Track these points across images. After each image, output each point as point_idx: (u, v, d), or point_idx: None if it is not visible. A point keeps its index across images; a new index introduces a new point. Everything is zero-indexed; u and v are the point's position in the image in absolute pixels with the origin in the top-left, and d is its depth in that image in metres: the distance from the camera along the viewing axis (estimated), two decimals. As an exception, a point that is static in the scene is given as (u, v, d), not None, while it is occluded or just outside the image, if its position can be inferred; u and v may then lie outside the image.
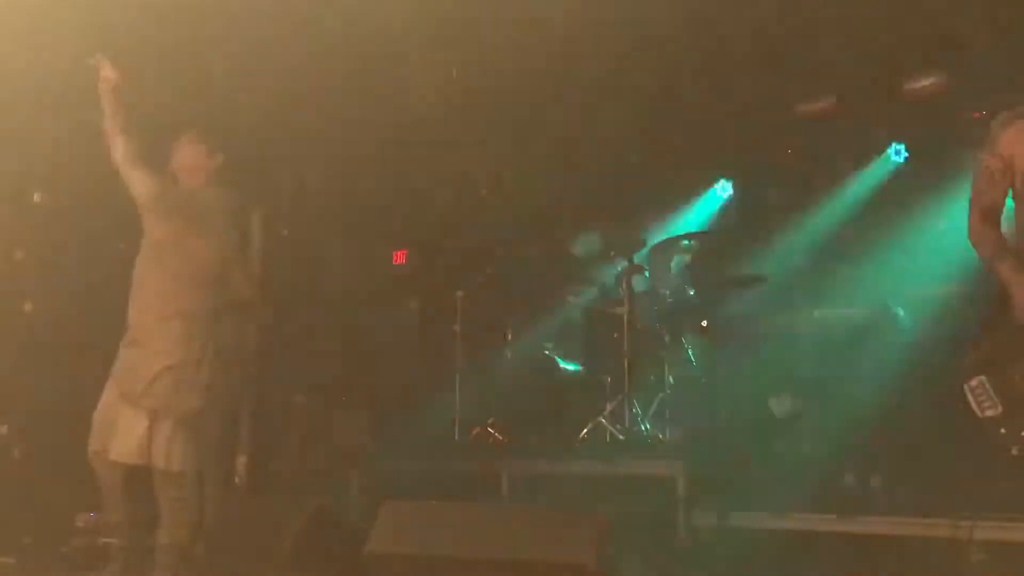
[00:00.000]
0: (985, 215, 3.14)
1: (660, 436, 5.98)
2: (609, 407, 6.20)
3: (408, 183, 7.63)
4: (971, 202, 3.20)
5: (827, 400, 5.56)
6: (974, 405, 3.05)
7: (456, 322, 6.92)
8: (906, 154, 6.17)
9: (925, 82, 6.61)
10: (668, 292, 6.39)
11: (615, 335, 6.24)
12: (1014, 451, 3.06)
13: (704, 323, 5.99)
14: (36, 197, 6.38)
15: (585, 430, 6.17)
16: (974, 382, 3.06)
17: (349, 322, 7.86)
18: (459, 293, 6.93)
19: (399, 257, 8.14)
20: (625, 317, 6.16)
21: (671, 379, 6.21)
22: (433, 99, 6.55)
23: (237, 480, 6.12)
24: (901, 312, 5.66)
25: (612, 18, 5.85)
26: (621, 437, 5.98)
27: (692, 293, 6.41)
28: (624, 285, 6.23)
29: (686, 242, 6.39)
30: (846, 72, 6.72)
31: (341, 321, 7.90)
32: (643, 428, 5.96)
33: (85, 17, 5.39)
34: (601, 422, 6.18)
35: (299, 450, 7.55)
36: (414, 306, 8.02)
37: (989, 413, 3.02)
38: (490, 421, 6.20)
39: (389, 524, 2.97)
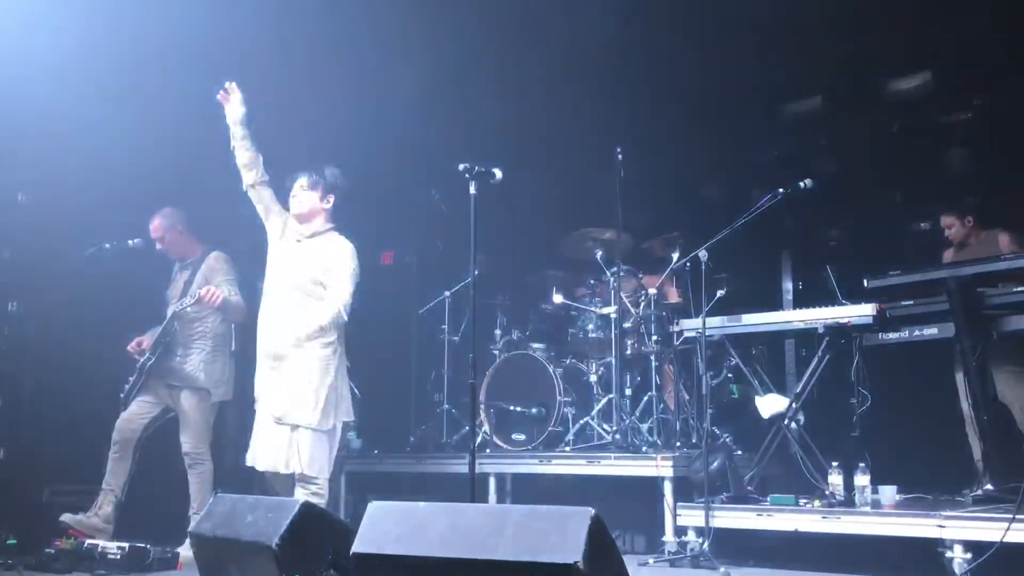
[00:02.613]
0: None
1: (648, 436, 6.00)
2: (597, 406, 6.22)
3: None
4: None
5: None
6: None
7: (444, 321, 6.94)
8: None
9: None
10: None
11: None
12: None
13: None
14: (20, 197, 6.34)
15: (574, 429, 6.19)
16: None
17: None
18: (446, 293, 6.94)
19: (387, 258, 8.13)
20: (613, 317, 6.18)
21: (658, 379, 6.23)
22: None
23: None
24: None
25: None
26: (608, 437, 6.00)
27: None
28: (613, 287, 6.25)
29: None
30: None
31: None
32: (631, 428, 5.97)
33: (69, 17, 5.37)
34: (590, 422, 6.20)
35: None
36: (403, 306, 8.01)
37: None
38: (478, 421, 6.19)
39: (376, 524, 2.96)
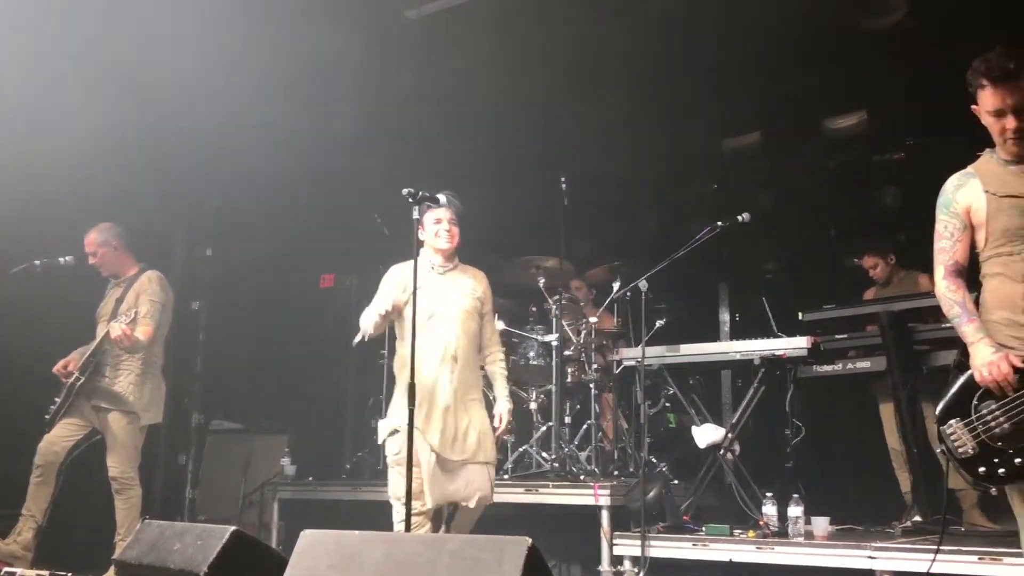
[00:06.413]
0: (949, 273, 3.24)
1: (587, 465, 6.00)
2: (536, 434, 6.21)
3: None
4: (935, 262, 3.30)
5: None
6: (950, 447, 3.09)
7: (383, 346, 6.86)
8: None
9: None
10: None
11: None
12: (992, 491, 3.10)
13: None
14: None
15: (512, 457, 6.16)
16: (949, 428, 3.10)
17: (272, 344, 7.72)
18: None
19: (327, 281, 8.04)
20: (554, 344, 6.19)
21: (598, 407, 6.24)
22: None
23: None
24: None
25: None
26: (547, 465, 5.98)
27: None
28: (555, 315, 6.27)
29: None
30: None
31: (263, 343, 7.75)
32: (570, 456, 5.97)
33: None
34: (529, 450, 6.18)
35: (216, 475, 7.37)
36: (342, 329, 7.92)
37: (965, 453, 3.05)
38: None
39: (308, 553, 2.90)
